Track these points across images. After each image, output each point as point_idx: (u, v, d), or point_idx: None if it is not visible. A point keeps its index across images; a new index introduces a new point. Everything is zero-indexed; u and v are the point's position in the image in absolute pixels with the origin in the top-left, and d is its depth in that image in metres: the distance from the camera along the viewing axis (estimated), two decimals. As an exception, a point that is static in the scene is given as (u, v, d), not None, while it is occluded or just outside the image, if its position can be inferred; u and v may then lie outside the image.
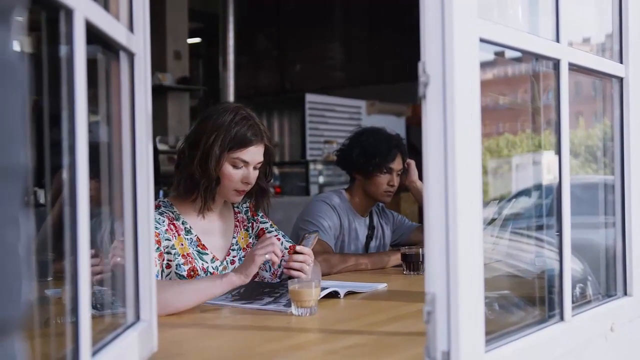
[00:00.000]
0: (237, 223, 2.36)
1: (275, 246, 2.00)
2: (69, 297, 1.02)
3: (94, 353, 1.09)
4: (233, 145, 2.15)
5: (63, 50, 1.01)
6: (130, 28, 1.34)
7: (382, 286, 2.33)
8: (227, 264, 2.27)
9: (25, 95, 0.61)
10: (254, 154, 2.19)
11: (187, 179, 2.18)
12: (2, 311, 0.56)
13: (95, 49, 1.23)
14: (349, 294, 2.16)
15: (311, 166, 7.47)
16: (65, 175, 1.01)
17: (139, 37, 1.37)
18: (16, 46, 0.60)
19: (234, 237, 2.33)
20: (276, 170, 7.65)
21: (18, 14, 0.61)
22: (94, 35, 1.11)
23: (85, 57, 1.03)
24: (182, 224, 2.20)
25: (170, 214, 2.20)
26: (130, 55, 1.34)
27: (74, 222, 1.00)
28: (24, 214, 0.60)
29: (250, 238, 2.37)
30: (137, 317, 1.37)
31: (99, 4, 1.13)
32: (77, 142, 1.00)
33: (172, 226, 2.16)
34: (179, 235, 2.17)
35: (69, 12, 0.99)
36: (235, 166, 2.17)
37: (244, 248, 2.34)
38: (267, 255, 1.97)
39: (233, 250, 2.31)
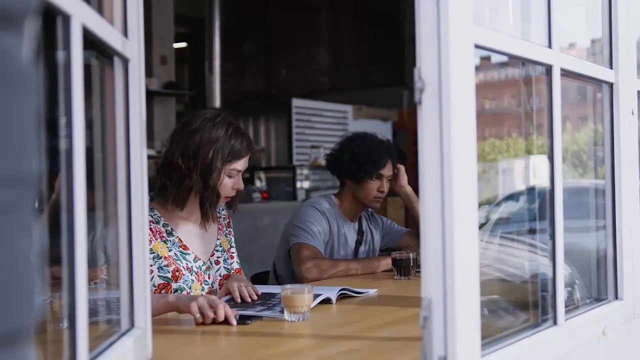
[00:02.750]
0: (220, 226, 2.44)
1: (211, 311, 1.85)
2: (66, 303, 1.02)
3: (90, 360, 1.08)
4: (232, 158, 2.24)
5: (60, 55, 1.01)
6: (125, 33, 1.34)
7: (373, 292, 2.33)
8: (211, 263, 2.33)
9: (37, 102, 0.61)
10: (246, 162, 2.30)
11: (186, 192, 2.23)
12: (17, 319, 0.56)
13: (89, 54, 1.23)
14: (342, 297, 2.17)
15: (298, 171, 7.45)
16: (62, 181, 1.00)
17: (134, 42, 1.36)
18: (28, 53, 0.60)
19: (218, 239, 2.40)
20: (263, 175, 7.63)
21: (30, 21, 0.61)
22: (89, 41, 1.11)
23: (82, 63, 1.02)
24: (163, 226, 2.25)
25: (150, 217, 2.21)
26: (125, 61, 1.33)
27: (71, 228, 0.99)
28: (36, 222, 0.60)
29: (228, 243, 2.45)
30: (132, 324, 1.36)
31: (94, 10, 1.12)
32: (74, 148, 1.00)
33: (149, 230, 2.19)
34: (156, 239, 2.21)
35: (66, 18, 0.99)
36: (230, 176, 2.26)
37: (226, 250, 2.42)
38: (197, 315, 1.81)
39: (217, 251, 2.38)
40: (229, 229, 2.48)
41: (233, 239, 2.50)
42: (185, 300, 1.88)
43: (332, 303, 2.10)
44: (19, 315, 0.56)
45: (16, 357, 0.55)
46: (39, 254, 0.61)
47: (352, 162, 2.97)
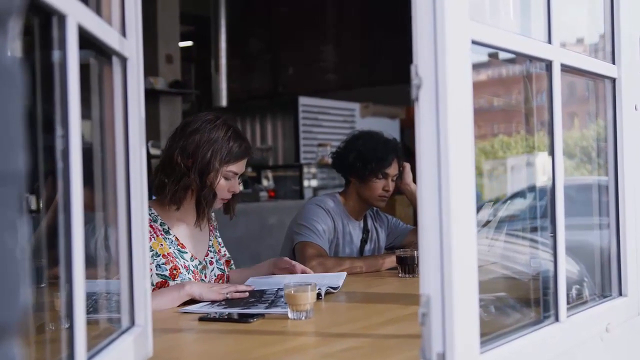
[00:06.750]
0: (212, 228, 2.49)
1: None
2: (64, 302, 1.02)
3: (89, 358, 1.09)
4: (230, 159, 2.28)
5: (56, 55, 1.01)
6: (123, 33, 1.34)
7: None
8: (206, 263, 2.39)
9: (23, 100, 0.61)
10: (243, 165, 2.35)
11: (183, 190, 2.26)
12: (2, 315, 0.56)
13: (87, 54, 1.23)
14: (331, 294, 2.21)
15: (305, 169, 7.45)
16: (59, 181, 1.00)
17: (132, 41, 1.36)
18: (13, 51, 0.60)
19: (210, 240, 2.45)
20: (270, 174, 7.64)
21: (15, 19, 0.61)
22: (86, 40, 1.11)
23: (78, 62, 1.03)
24: (160, 225, 2.29)
25: (148, 216, 2.22)
26: (123, 60, 1.34)
27: (68, 228, 1.00)
28: (22, 219, 0.60)
29: (219, 245, 2.50)
30: (132, 322, 1.36)
31: (91, 9, 1.13)
32: (70, 147, 1.00)
33: (149, 228, 2.21)
34: (157, 236, 2.25)
35: (62, 18, 0.99)
36: (226, 178, 2.30)
37: (217, 252, 2.46)
38: (228, 295, 2.11)
39: (211, 251, 2.43)
40: (216, 232, 2.53)
41: (220, 239, 2.54)
42: (206, 292, 2.08)
43: (321, 299, 2.10)
44: (5, 311, 0.57)
45: (2, 352, 0.56)
46: (25, 251, 0.61)
47: (358, 160, 2.96)
